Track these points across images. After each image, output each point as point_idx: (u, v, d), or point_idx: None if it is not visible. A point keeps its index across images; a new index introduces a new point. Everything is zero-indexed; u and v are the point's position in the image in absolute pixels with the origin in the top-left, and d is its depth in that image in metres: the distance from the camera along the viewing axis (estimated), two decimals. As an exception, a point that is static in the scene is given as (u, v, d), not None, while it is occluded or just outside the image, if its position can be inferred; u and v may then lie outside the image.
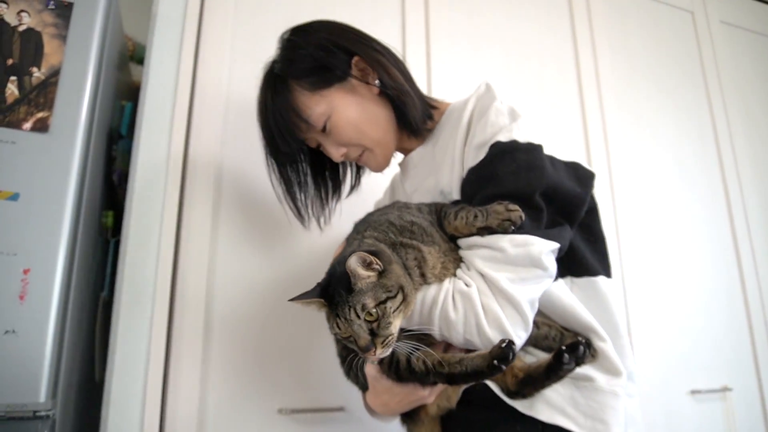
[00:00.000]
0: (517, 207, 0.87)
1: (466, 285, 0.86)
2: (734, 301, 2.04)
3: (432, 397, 0.94)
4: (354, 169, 1.30)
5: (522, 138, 0.92)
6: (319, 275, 0.88)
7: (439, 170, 1.04)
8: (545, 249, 0.86)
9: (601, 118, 2.02)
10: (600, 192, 1.93)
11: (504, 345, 0.81)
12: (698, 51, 2.35)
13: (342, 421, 1.43)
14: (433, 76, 1.81)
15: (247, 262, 1.49)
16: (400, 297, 0.81)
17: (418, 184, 1.13)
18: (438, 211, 0.96)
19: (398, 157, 1.22)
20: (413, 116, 1.08)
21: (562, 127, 1.98)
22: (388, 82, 1.06)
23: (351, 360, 0.98)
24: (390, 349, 0.81)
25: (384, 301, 0.80)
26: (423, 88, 1.75)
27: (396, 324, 0.81)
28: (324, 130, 1.07)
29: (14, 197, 1.18)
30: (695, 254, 2.04)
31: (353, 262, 0.79)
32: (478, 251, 0.88)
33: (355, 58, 1.06)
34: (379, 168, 1.17)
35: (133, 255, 1.36)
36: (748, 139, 2.29)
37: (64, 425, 1.21)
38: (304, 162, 1.21)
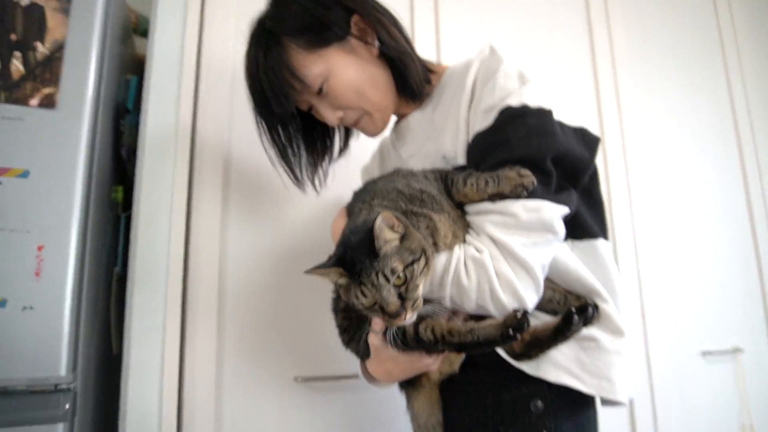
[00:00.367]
0: (529, 172, 0.85)
1: (478, 251, 0.86)
2: (747, 263, 2.02)
3: (436, 364, 0.95)
4: (342, 131, 1.26)
5: (532, 102, 0.89)
6: (328, 245, 0.87)
7: (440, 135, 1.00)
8: (556, 214, 0.86)
9: (614, 88, 1.98)
10: (612, 158, 1.91)
11: (519, 315, 0.81)
12: (717, 22, 2.26)
13: (357, 389, 1.45)
14: (442, 41, 1.78)
15: (259, 231, 1.49)
16: (423, 260, 0.80)
17: (416, 149, 1.09)
18: (444, 178, 0.94)
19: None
20: (414, 79, 1.04)
21: (574, 95, 1.94)
22: (389, 43, 1.02)
23: (353, 330, 0.98)
24: (416, 313, 0.81)
25: (411, 264, 0.79)
26: (431, 52, 1.73)
27: (421, 287, 0.81)
28: (320, 92, 1.02)
29: (24, 174, 1.18)
30: (708, 216, 2.02)
31: (380, 223, 0.78)
32: (489, 217, 0.88)
33: (355, 17, 1.01)
34: (376, 132, 1.13)
35: (145, 229, 1.37)
36: (765, 110, 2.23)
37: (85, 397, 1.24)
38: (295, 124, 1.16)
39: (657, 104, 2.06)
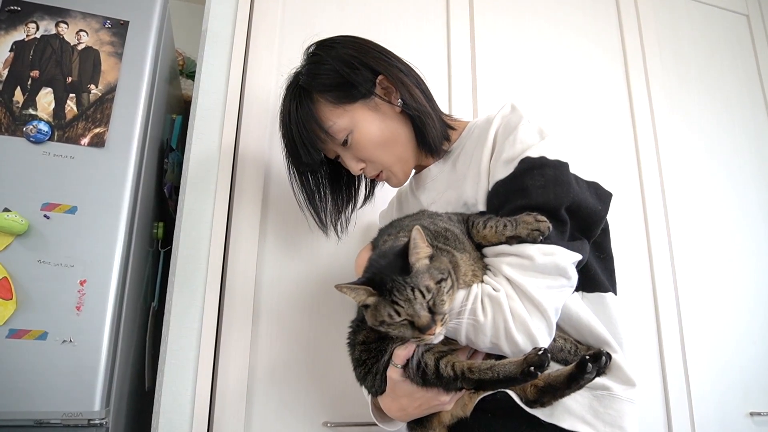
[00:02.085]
0: (545, 218, 0.89)
1: (494, 289, 0.88)
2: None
3: (452, 403, 0.95)
4: (368, 180, 1.34)
5: (551, 155, 0.94)
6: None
7: (462, 183, 1.06)
8: (570, 260, 0.90)
9: (651, 121, 1.97)
10: (651, 198, 1.88)
11: (540, 352, 0.82)
12: (754, 56, 2.26)
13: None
14: (477, 47, 1.84)
15: (293, 271, 1.50)
16: (450, 281, 0.85)
17: (436, 196, 1.15)
18: (465, 221, 0.98)
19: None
20: (432, 136, 1.11)
21: (609, 121, 1.93)
22: (411, 103, 1.09)
23: (370, 362, 1.00)
24: (444, 330, 0.84)
25: (440, 281, 0.83)
26: (467, 59, 1.78)
27: (449, 305, 0.84)
28: (345, 144, 1.11)
29: (72, 210, 1.22)
30: (751, 268, 1.95)
31: (416, 234, 0.82)
32: (506, 258, 0.91)
33: (380, 77, 1.09)
34: (399, 184, 1.20)
35: (184, 264, 1.39)
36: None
37: (116, 433, 1.24)
38: (323, 172, 1.25)
39: (697, 140, 2.04)
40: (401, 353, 0.91)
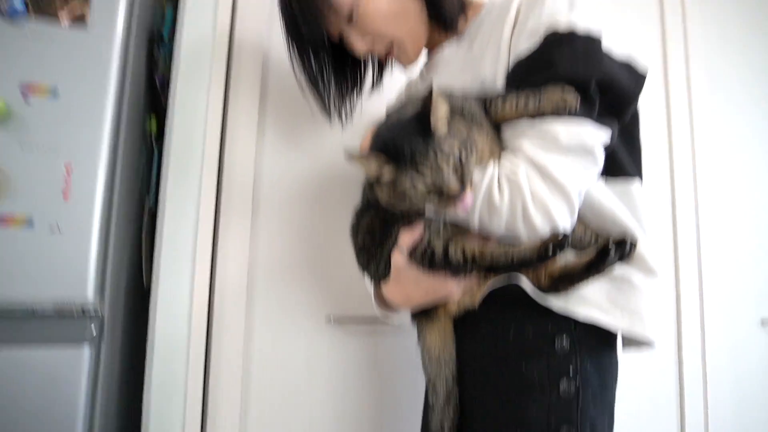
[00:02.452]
0: (573, 90, 0.80)
1: (513, 169, 0.81)
2: None
3: (459, 293, 0.90)
4: (376, 66, 1.24)
5: (581, 27, 0.84)
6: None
7: (479, 62, 0.95)
8: (598, 139, 0.82)
9: (687, 89, 1.82)
10: (680, 143, 1.77)
11: (561, 237, 0.78)
12: None
13: (389, 333, 1.40)
14: None
15: (294, 164, 1.44)
16: (471, 145, 0.78)
17: (451, 79, 1.03)
18: (483, 100, 0.88)
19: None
20: (447, 7, 1.01)
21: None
22: None
23: (374, 248, 0.94)
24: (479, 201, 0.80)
25: (464, 143, 0.77)
26: None
27: (476, 174, 0.80)
28: (350, 19, 1.00)
29: (54, 94, 1.14)
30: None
31: (436, 95, 0.75)
32: (527, 135, 0.83)
33: None
34: (409, 61, 1.09)
35: (177, 157, 1.33)
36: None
37: (113, 324, 1.22)
38: (326, 53, 1.14)
39: (733, 115, 1.88)
40: (407, 237, 0.86)
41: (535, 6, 0.87)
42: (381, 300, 1.01)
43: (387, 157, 0.77)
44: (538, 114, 0.82)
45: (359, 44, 1.04)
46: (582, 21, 0.84)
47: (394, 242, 0.90)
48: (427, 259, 0.84)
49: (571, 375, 0.83)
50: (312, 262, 1.41)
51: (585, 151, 0.81)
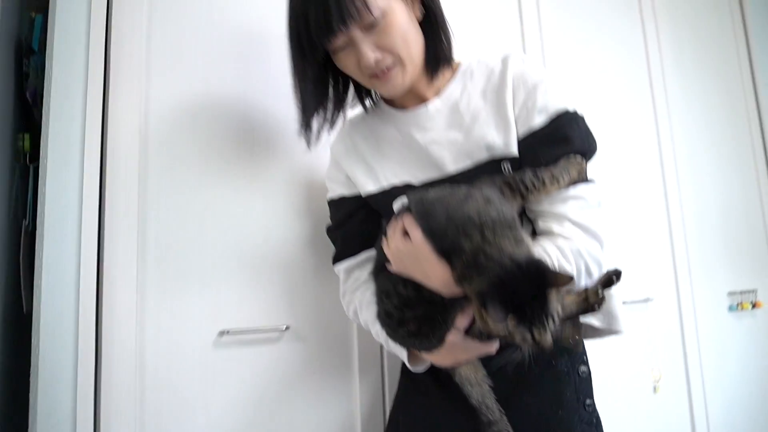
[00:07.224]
0: (584, 160, 1.03)
1: (568, 237, 0.99)
2: (658, 222, 2.12)
3: (498, 345, 1.01)
4: (357, 91, 1.26)
5: (575, 106, 1.07)
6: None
7: (473, 126, 1.10)
8: (600, 191, 1.05)
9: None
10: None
11: (615, 274, 0.96)
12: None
13: (283, 340, 1.44)
14: None
15: (181, 175, 1.43)
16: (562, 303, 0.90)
17: (437, 136, 1.14)
18: (509, 184, 1.00)
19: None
20: (443, 49, 1.13)
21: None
22: (435, 9, 1.12)
23: (417, 323, 1.00)
24: None
25: (559, 299, 0.86)
26: None
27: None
28: (371, 26, 1.03)
29: None
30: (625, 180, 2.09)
31: (555, 297, 0.83)
32: (568, 203, 1.02)
33: None
34: (396, 88, 1.11)
35: (54, 177, 1.27)
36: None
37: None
38: (322, 68, 1.14)
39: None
40: (464, 320, 0.96)
41: (538, 84, 1.07)
42: (413, 358, 1.11)
43: (513, 315, 0.82)
44: (572, 183, 1.02)
45: (370, 53, 1.04)
46: (573, 101, 1.07)
47: (447, 327, 0.97)
48: (485, 336, 0.94)
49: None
50: (204, 276, 1.41)
51: (599, 203, 1.04)
